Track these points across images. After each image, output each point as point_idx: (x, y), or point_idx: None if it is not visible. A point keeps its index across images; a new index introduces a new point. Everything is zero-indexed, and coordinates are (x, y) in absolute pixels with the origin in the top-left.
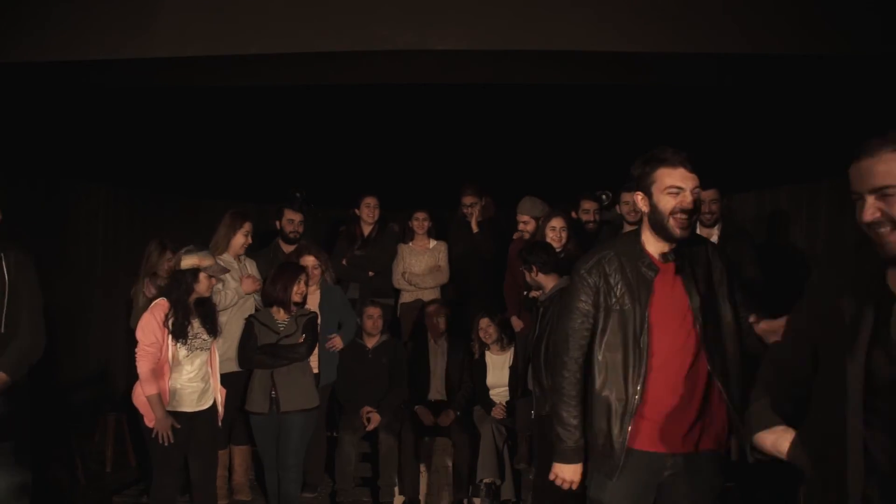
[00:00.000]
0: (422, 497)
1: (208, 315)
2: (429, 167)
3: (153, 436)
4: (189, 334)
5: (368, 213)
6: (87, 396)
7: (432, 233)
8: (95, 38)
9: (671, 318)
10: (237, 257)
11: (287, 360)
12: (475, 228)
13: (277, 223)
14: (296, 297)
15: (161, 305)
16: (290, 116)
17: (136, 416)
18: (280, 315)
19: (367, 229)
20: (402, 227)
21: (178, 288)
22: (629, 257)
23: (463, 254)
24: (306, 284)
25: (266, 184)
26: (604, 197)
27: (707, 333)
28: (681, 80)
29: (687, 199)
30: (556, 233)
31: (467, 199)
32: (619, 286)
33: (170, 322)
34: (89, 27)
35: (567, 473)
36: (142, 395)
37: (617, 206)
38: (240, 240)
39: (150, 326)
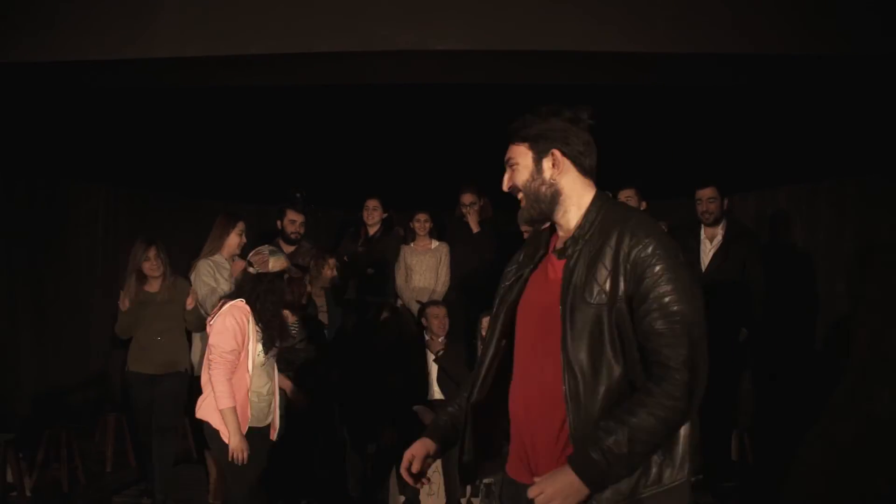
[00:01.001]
0: (422, 497)
1: (283, 321)
2: (429, 168)
3: (230, 458)
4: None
5: (368, 214)
6: (87, 396)
7: (434, 234)
8: (95, 38)
9: (539, 320)
10: (232, 258)
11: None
12: (475, 229)
13: (279, 223)
14: (302, 300)
15: (241, 308)
16: (290, 116)
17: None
18: (288, 318)
19: (371, 230)
20: (404, 228)
21: (274, 292)
22: (534, 247)
23: (463, 254)
24: (310, 286)
25: (266, 184)
26: None
27: (566, 343)
28: (681, 80)
29: (507, 178)
30: None
31: (466, 199)
32: (507, 285)
33: (260, 328)
34: (89, 27)
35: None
36: (210, 409)
37: None
38: (235, 240)
39: (232, 330)
